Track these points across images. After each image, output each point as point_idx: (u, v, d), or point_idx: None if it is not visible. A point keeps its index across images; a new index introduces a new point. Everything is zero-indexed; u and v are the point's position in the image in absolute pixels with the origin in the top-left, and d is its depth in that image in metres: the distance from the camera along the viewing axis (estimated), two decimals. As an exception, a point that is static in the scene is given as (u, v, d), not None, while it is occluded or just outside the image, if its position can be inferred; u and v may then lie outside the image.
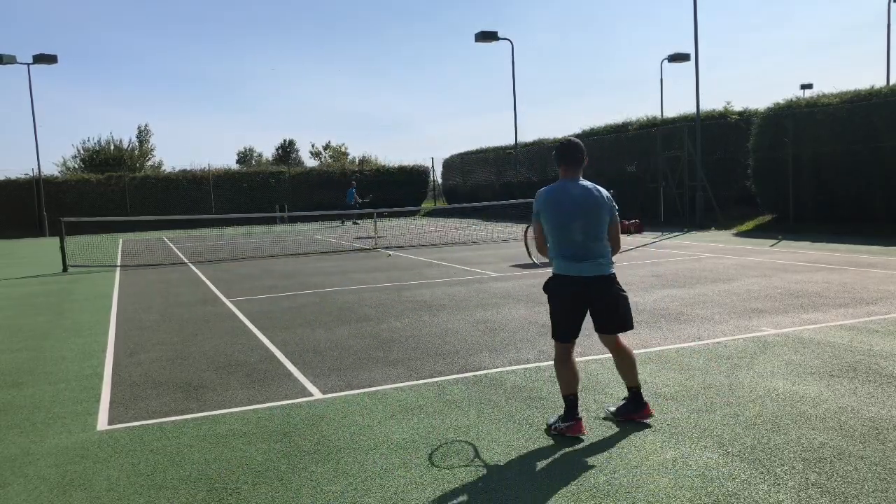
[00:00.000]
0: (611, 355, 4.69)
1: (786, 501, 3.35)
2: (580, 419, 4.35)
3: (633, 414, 4.52)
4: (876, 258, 12.20)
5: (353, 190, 31.80)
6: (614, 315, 4.44)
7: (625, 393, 4.68)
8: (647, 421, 4.49)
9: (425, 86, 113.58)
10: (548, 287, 4.52)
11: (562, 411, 4.46)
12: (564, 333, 4.43)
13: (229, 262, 16.18)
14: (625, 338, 4.61)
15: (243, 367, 6.32)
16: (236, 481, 3.87)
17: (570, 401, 4.38)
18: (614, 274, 4.46)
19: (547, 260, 4.60)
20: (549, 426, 4.44)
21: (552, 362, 5.94)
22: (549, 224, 4.42)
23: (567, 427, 4.32)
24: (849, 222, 17.26)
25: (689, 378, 5.40)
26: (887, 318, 7.30)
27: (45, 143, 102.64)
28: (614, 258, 4.51)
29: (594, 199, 4.42)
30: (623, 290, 4.50)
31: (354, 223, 30.44)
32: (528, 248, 5.34)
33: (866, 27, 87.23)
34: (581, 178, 4.49)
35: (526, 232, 5.53)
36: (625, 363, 4.56)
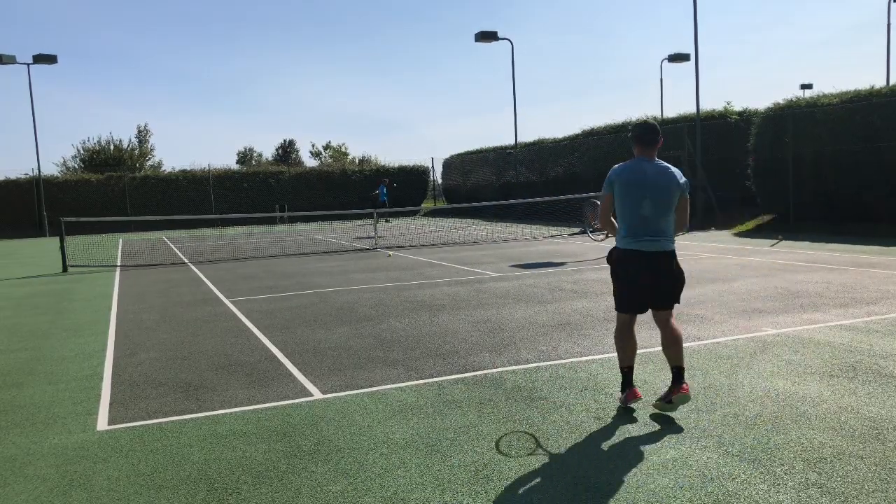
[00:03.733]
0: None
1: (786, 501, 3.35)
2: (634, 387, 4.71)
3: (673, 392, 4.58)
4: (876, 258, 12.19)
5: (385, 187, 32.11)
6: (672, 290, 4.68)
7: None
8: (656, 420, 4.50)
9: (425, 86, 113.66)
10: (611, 258, 4.76)
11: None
12: (628, 304, 4.72)
13: (229, 263, 16.18)
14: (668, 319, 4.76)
15: (243, 367, 6.32)
16: (236, 481, 3.87)
17: (625, 373, 4.75)
18: (674, 250, 4.69)
19: (603, 235, 4.80)
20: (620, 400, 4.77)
21: (552, 362, 5.97)
22: (620, 198, 4.61)
23: (623, 398, 4.70)
24: (849, 222, 17.24)
25: (689, 378, 5.39)
26: (887, 318, 7.30)
27: (45, 143, 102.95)
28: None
29: (666, 177, 4.59)
30: (681, 268, 4.75)
31: (387, 221, 30.67)
32: (589, 226, 5.57)
33: (866, 27, 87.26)
34: (656, 158, 4.69)
35: (592, 212, 5.79)
36: (672, 341, 4.68)
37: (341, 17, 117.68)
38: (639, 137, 4.68)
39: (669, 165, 4.69)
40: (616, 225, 4.74)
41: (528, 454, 4.06)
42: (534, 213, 28.28)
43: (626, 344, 4.76)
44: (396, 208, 29.43)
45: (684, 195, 4.68)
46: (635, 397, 4.67)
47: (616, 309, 4.80)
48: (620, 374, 4.84)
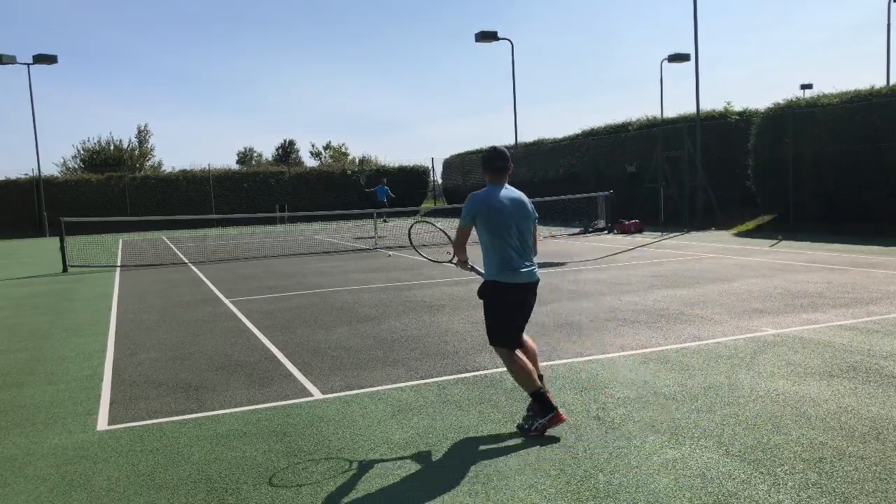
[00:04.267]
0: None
1: (786, 501, 3.35)
2: (558, 410, 4.32)
3: (544, 424, 4.31)
4: (876, 258, 12.19)
5: (384, 187, 31.92)
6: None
7: (628, 393, 4.67)
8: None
9: (425, 86, 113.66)
10: (485, 293, 4.55)
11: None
12: (511, 338, 4.46)
13: (229, 263, 16.18)
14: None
15: (243, 367, 6.32)
16: (236, 481, 3.87)
17: (539, 395, 4.35)
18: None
19: (447, 260, 4.68)
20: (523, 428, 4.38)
21: (552, 362, 5.97)
22: (487, 230, 4.45)
23: (548, 420, 4.30)
24: (849, 222, 17.24)
25: (689, 378, 5.40)
26: (887, 318, 7.30)
27: (45, 143, 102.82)
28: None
29: (523, 205, 4.52)
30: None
31: (384, 221, 30.68)
32: (412, 244, 5.51)
33: (866, 27, 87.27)
34: (507, 185, 4.57)
35: (410, 230, 5.71)
36: (531, 356, 4.59)
37: (341, 17, 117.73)
38: (490, 164, 4.55)
39: (520, 192, 4.61)
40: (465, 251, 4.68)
41: (528, 454, 4.06)
42: (534, 213, 28.24)
43: (523, 368, 4.41)
44: (397, 208, 29.43)
45: (535, 223, 4.61)
46: (559, 421, 4.31)
47: (494, 343, 4.53)
48: (535, 401, 4.36)
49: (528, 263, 4.48)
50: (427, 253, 6.21)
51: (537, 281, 4.55)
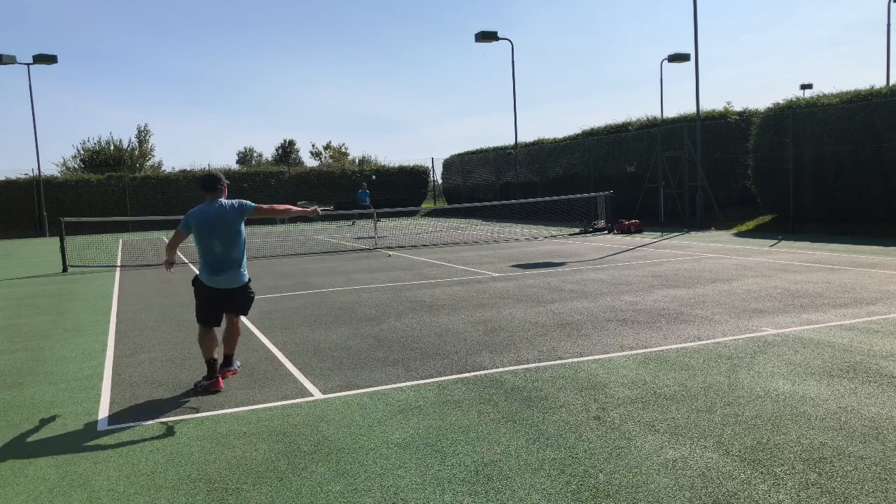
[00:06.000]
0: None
1: (786, 501, 3.35)
2: (218, 378, 5.60)
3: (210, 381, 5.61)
4: (876, 258, 12.19)
5: (363, 191, 31.80)
6: (243, 307, 6.00)
7: (628, 393, 4.67)
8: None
9: (425, 86, 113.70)
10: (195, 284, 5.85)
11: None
12: (206, 321, 5.81)
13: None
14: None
15: (243, 367, 6.32)
16: (236, 481, 3.87)
17: (210, 363, 5.63)
18: (247, 282, 5.95)
19: (171, 260, 6.02)
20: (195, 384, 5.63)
21: (552, 362, 5.97)
22: (196, 240, 5.76)
23: (210, 384, 5.55)
24: (849, 222, 17.25)
25: (689, 378, 5.40)
26: (887, 318, 7.30)
27: (45, 143, 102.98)
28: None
29: (223, 214, 5.74)
30: (252, 293, 6.04)
31: (352, 224, 30.55)
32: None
33: (866, 27, 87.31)
34: (221, 200, 5.82)
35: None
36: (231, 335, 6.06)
37: (342, 17, 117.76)
38: (202, 186, 5.81)
39: (225, 201, 5.82)
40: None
41: (528, 454, 4.06)
42: (534, 213, 28.29)
43: (207, 342, 5.72)
44: (398, 208, 29.40)
45: (246, 211, 5.88)
46: (218, 387, 5.56)
47: (198, 322, 5.86)
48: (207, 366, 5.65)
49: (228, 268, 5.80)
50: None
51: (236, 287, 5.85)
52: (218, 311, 5.85)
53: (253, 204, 5.95)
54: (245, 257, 5.99)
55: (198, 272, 5.82)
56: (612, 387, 5.24)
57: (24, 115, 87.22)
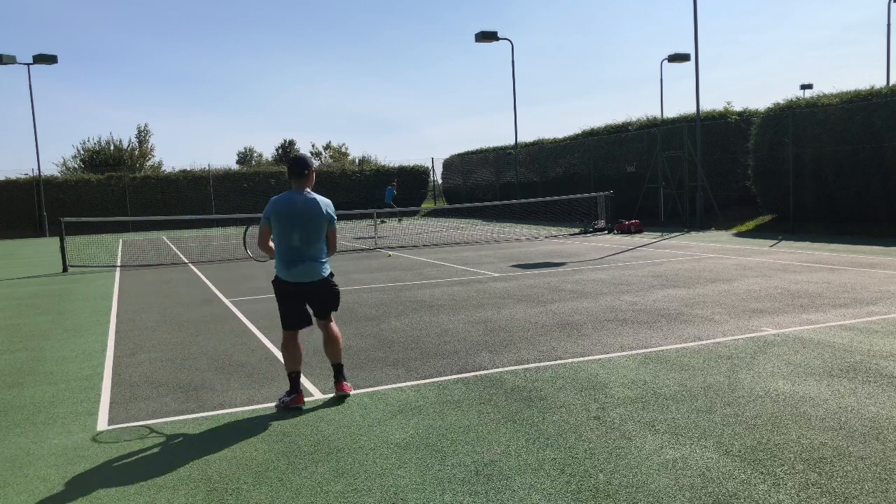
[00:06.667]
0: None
1: (786, 501, 3.35)
2: (301, 392, 5.15)
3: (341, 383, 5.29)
4: (876, 258, 12.19)
5: (391, 189, 32.38)
6: (327, 304, 5.49)
7: (628, 393, 4.67)
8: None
9: (425, 86, 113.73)
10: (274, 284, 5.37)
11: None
12: (288, 322, 5.32)
13: (229, 263, 16.18)
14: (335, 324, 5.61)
15: (243, 367, 6.32)
16: (236, 481, 3.87)
17: (293, 377, 5.16)
18: (328, 276, 5.47)
19: (265, 258, 5.60)
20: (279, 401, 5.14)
21: (552, 362, 5.97)
22: (274, 230, 5.25)
23: (291, 399, 5.07)
24: (849, 222, 17.24)
25: (689, 378, 5.40)
26: (887, 318, 7.30)
27: (45, 143, 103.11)
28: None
29: (312, 209, 5.23)
30: (336, 286, 5.57)
31: (382, 221, 30.89)
32: (245, 247, 6.03)
33: (866, 27, 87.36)
34: (307, 190, 5.29)
35: (245, 232, 6.22)
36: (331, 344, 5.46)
37: (342, 17, 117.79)
38: (289, 170, 5.32)
39: (319, 197, 5.30)
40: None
41: (528, 454, 4.06)
42: (534, 213, 28.29)
43: (291, 353, 5.26)
44: (398, 209, 29.41)
45: (332, 224, 5.41)
46: (301, 402, 5.11)
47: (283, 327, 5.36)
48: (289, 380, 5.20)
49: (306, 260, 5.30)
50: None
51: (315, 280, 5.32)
52: (299, 310, 5.32)
53: (336, 224, 5.53)
54: (325, 252, 5.54)
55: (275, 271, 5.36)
56: (612, 387, 5.24)
57: (24, 115, 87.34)
